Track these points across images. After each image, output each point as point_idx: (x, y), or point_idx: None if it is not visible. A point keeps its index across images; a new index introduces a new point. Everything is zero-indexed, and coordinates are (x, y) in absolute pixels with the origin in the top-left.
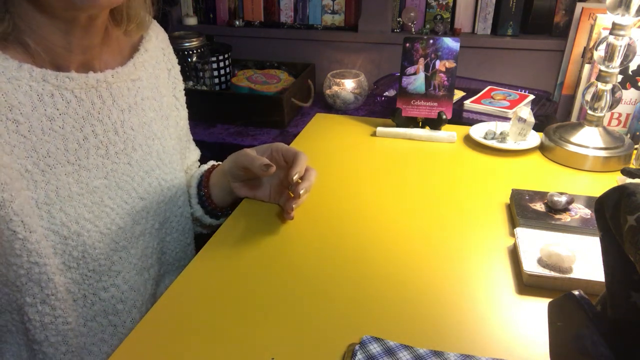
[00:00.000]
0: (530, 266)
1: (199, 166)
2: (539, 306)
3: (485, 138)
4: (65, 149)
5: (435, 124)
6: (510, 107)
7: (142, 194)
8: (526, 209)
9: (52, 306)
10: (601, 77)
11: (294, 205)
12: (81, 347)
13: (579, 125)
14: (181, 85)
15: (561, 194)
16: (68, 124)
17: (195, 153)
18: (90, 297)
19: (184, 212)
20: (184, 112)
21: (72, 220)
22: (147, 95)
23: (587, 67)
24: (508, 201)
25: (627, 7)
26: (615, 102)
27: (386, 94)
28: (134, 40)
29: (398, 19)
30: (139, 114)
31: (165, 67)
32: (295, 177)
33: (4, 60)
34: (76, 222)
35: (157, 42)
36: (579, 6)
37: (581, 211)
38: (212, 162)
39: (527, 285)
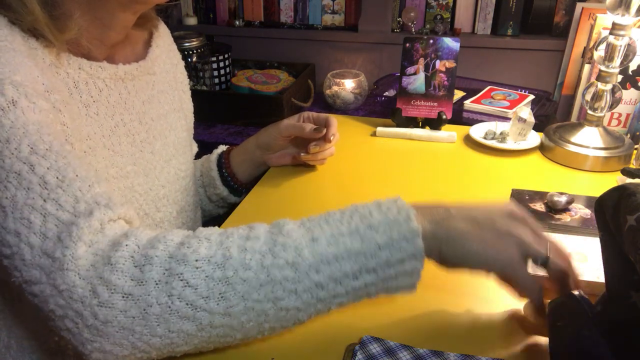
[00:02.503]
0: (530, 267)
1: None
2: None
3: (485, 138)
4: (102, 134)
5: (435, 124)
6: (510, 107)
7: (163, 182)
8: (526, 209)
9: None
10: (601, 77)
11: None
12: None
13: (579, 125)
14: (186, 80)
15: (561, 194)
16: (101, 112)
17: (195, 147)
18: None
19: (195, 201)
20: (191, 105)
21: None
22: (161, 88)
23: (587, 67)
24: (508, 201)
25: (627, 7)
26: (615, 102)
27: (386, 94)
28: (145, 36)
29: (398, 19)
30: (156, 106)
31: (172, 62)
32: (333, 139)
33: (45, 47)
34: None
35: (165, 38)
36: (579, 6)
37: (581, 211)
38: (223, 147)
39: None
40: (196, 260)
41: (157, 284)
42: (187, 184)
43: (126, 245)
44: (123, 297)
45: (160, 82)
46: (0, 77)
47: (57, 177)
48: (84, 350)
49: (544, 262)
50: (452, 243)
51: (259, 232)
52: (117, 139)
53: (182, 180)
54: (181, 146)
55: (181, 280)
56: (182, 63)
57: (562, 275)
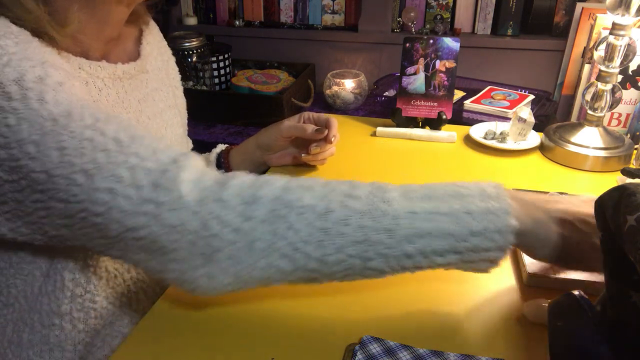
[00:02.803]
0: (532, 266)
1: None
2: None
3: (485, 138)
4: None
5: (435, 124)
6: (510, 107)
7: None
8: None
9: (88, 278)
10: (601, 77)
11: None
12: (97, 330)
13: (579, 125)
14: (178, 76)
15: (561, 194)
16: None
17: (190, 143)
18: (119, 277)
19: None
20: (184, 101)
21: None
22: (155, 86)
23: (587, 67)
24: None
25: (627, 7)
26: (615, 102)
27: (386, 94)
28: (134, 34)
29: (398, 19)
30: (151, 104)
31: (163, 59)
32: (334, 140)
33: (45, 47)
34: None
35: (155, 35)
36: (579, 6)
37: None
38: (221, 146)
39: (527, 285)
40: (300, 207)
41: (263, 222)
42: None
43: (233, 184)
44: (232, 230)
45: (153, 79)
46: (41, 61)
47: (127, 135)
48: (193, 275)
49: None
50: (544, 248)
51: (361, 192)
52: None
53: None
54: (178, 144)
55: (285, 222)
56: (173, 59)
57: None
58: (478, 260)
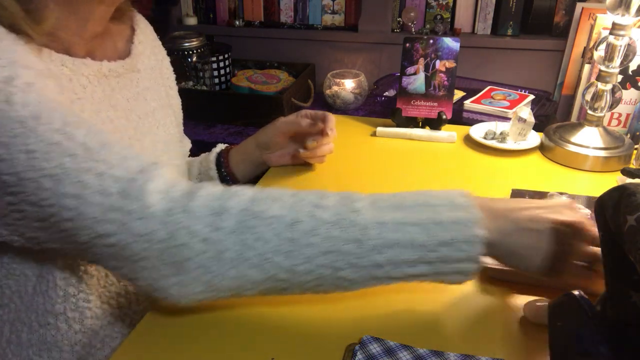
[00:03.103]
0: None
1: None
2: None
3: (485, 138)
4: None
5: (435, 124)
6: (510, 107)
7: None
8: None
9: (79, 278)
10: (601, 77)
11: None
12: (94, 330)
13: (579, 125)
14: (173, 76)
15: (561, 194)
16: (87, 108)
17: (188, 142)
18: (111, 277)
19: None
20: (178, 101)
21: None
22: (147, 85)
23: (587, 67)
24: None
25: (627, 7)
26: (615, 102)
27: (386, 94)
28: (126, 33)
29: (398, 19)
30: (142, 103)
31: (157, 59)
32: (330, 134)
33: (26, 43)
34: None
35: (148, 34)
36: (579, 6)
37: (581, 211)
38: (221, 145)
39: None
40: (269, 217)
41: (232, 232)
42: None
43: (201, 195)
44: (201, 240)
45: (145, 79)
46: (11, 61)
47: (96, 142)
48: (164, 284)
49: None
50: (514, 257)
51: (330, 202)
52: None
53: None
54: (171, 142)
55: (254, 233)
56: (168, 59)
57: None
58: (450, 271)
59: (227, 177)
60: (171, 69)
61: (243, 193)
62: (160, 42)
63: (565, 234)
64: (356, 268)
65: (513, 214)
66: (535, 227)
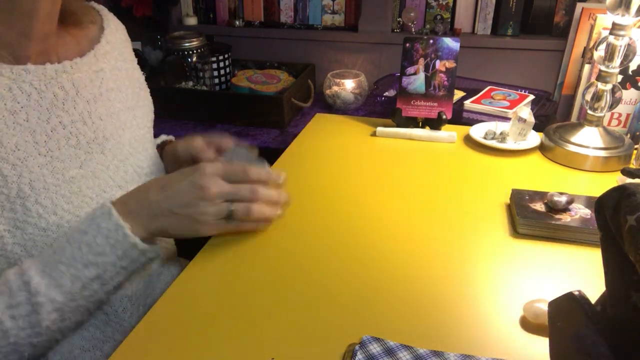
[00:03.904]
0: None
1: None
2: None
3: (485, 138)
4: (35, 141)
5: (435, 124)
6: (510, 107)
7: (119, 182)
8: (526, 209)
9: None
10: (601, 77)
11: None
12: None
13: (579, 125)
14: (142, 77)
15: (561, 194)
16: (32, 117)
17: (154, 144)
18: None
19: None
20: (150, 102)
21: (50, 212)
22: (111, 86)
23: (587, 67)
24: (508, 201)
25: (627, 7)
26: (615, 102)
27: (386, 94)
28: (92, 34)
29: (398, 19)
30: (106, 104)
31: (127, 59)
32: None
33: None
34: (54, 213)
35: (118, 35)
36: (579, 6)
37: (581, 211)
38: (163, 137)
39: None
40: None
41: None
42: None
43: None
44: None
45: (109, 79)
46: None
47: None
48: None
49: (229, 216)
50: (166, 234)
51: (9, 289)
52: (55, 143)
53: (143, 177)
54: (140, 143)
55: None
56: (135, 60)
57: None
58: (139, 265)
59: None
60: (140, 71)
61: None
62: (130, 43)
63: (193, 197)
64: (62, 320)
65: (149, 201)
66: (169, 206)
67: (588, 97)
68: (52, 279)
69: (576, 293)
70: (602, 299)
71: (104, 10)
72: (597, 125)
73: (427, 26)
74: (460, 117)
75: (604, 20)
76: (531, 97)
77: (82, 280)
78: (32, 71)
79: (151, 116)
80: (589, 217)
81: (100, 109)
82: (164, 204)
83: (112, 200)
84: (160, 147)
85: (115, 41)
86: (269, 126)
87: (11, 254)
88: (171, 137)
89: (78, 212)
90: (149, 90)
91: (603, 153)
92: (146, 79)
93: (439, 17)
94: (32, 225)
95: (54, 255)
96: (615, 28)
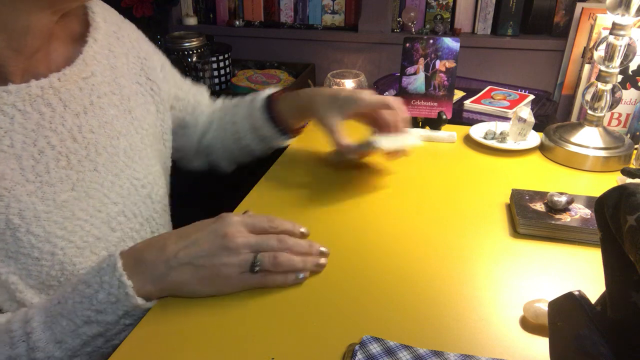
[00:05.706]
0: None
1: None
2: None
3: (485, 138)
4: (21, 167)
5: (435, 124)
6: (510, 107)
7: (114, 198)
8: (526, 209)
9: None
10: (601, 77)
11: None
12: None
13: (579, 125)
14: (151, 62)
15: (561, 194)
16: (17, 141)
17: (204, 92)
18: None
19: (164, 207)
20: (164, 85)
21: (43, 240)
22: (103, 91)
23: (587, 67)
24: (508, 201)
25: (627, 7)
26: (615, 102)
27: (386, 94)
28: (76, 32)
29: (398, 19)
30: (97, 113)
31: (121, 53)
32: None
33: None
34: (47, 241)
35: (106, 27)
36: (579, 6)
37: (581, 211)
38: (269, 91)
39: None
40: None
41: None
42: (150, 192)
43: None
44: None
45: (101, 83)
46: None
47: None
48: None
49: (254, 268)
50: (180, 292)
51: (11, 339)
52: (43, 167)
53: (140, 189)
54: (135, 152)
55: None
56: (139, 46)
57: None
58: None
59: (278, 125)
60: (150, 56)
61: None
62: (127, 27)
63: (215, 247)
64: None
65: (162, 253)
66: (185, 259)
67: (588, 97)
68: (53, 334)
69: (576, 293)
70: (602, 299)
71: (90, 2)
72: (597, 125)
73: (427, 26)
74: (460, 117)
75: (604, 20)
76: (531, 97)
77: (82, 338)
78: (14, 92)
79: (167, 89)
80: (589, 217)
81: (91, 120)
82: (182, 254)
83: (123, 250)
84: (268, 101)
85: (103, 37)
86: None
87: (6, 283)
88: (277, 89)
89: (72, 238)
90: (164, 66)
91: (603, 153)
92: None
93: (439, 17)
94: (25, 255)
95: (58, 305)
96: (615, 28)
